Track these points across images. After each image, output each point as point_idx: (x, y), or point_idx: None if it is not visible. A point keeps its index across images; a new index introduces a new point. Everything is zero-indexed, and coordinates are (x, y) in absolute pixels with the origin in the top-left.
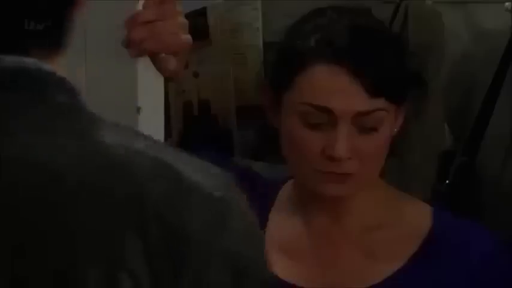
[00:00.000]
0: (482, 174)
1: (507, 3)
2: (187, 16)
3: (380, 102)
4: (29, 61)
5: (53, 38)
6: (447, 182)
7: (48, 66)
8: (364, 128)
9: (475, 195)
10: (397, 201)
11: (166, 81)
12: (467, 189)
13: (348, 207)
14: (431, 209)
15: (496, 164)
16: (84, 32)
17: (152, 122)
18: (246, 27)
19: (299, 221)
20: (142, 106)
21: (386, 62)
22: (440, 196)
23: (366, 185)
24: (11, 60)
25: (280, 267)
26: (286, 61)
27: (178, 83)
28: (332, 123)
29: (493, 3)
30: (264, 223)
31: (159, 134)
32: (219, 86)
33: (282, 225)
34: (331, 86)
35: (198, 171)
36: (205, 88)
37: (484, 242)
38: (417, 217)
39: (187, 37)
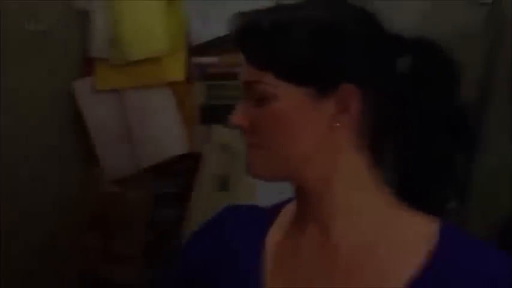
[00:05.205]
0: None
1: None
2: None
3: (267, 77)
4: None
5: None
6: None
7: None
8: (257, 101)
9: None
10: (399, 216)
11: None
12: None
13: (339, 225)
14: (438, 225)
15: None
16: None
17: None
18: None
19: (295, 235)
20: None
21: (274, 40)
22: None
23: (274, 166)
24: None
25: (278, 281)
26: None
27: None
28: None
29: None
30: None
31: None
32: None
33: (280, 240)
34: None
35: None
36: None
37: (497, 265)
38: (421, 234)
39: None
